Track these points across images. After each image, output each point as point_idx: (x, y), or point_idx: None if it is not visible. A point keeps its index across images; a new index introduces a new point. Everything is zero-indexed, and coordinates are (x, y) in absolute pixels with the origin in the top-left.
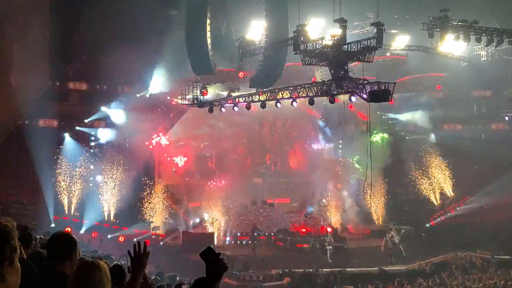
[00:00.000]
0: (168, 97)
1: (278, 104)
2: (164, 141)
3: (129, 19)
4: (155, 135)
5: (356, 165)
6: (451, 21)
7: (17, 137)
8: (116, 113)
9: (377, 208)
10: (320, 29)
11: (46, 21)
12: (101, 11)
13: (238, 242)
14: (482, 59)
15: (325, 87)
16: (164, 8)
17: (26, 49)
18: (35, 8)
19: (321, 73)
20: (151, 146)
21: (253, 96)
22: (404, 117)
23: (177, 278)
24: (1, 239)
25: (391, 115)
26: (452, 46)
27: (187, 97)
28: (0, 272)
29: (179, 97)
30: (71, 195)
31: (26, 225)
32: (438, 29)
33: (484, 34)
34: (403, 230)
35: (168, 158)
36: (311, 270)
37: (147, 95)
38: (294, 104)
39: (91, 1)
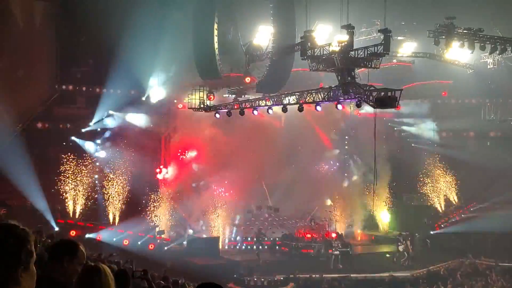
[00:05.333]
0: (175, 101)
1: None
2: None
3: (135, 22)
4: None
5: (362, 171)
6: (456, 29)
7: (22, 140)
8: (121, 117)
9: (382, 214)
10: (327, 35)
11: (53, 25)
12: (109, 14)
13: (243, 247)
14: (488, 66)
15: (331, 93)
16: (171, 11)
17: (33, 54)
18: (42, 12)
19: (328, 79)
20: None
21: (260, 101)
22: (410, 124)
23: (179, 282)
24: (17, 243)
25: (397, 121)
26: (459, 53)
27: (193, 101)
28: (14, 276)
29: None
30: (76, 198)
31: (38, 229)
32: (444, 37)
33: (488, 42)
34: (409, 238)
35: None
36: (316, 275)
37: (153, 99)
38: (302, 109)
39: (98, 4)
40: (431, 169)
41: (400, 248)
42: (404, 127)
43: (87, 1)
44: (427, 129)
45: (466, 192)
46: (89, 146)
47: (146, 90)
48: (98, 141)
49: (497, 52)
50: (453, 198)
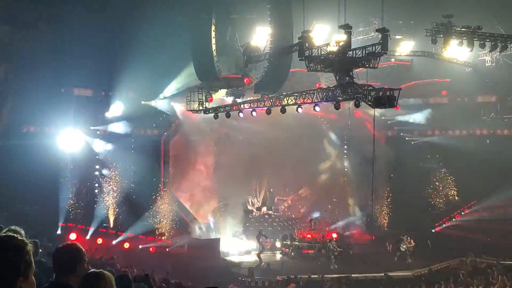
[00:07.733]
0: (171, 103)
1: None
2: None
3: (134, 26)
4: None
5: (361, 171)
6: (454, 27)
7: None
8: (119, 120)
9: (381, 214)
10: (325, 35)
11: (50, 29)
12: (106, 18)
13: (244, 248)
14: (487, 64)
15: (330, 93)
16: (170, 15)
17: (30, 56)
18: (40, 15)
19: (326, 79)
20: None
21: (258, 102)
22: (409, 122)
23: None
24: (16, 255)
25: (396, 120)
26: (457, 51)
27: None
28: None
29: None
30: (77, 201)
31: (39, 233)
32: (441, 35)
33: (487, 40)
34: (410, 237)
35: None
36: (316, 276)
37: (152, 103)
38: (300, 110)
39: (96, 7)
40: (431, 168)
41: (402, 247)
42: (403, 126)
43: (84, 7)
44: (426, 127)
45: (467, 190)
46: (89, 147)
47: (147, 94)
48: (97, 145)
49: (498, 49)
50: (454, 197)
